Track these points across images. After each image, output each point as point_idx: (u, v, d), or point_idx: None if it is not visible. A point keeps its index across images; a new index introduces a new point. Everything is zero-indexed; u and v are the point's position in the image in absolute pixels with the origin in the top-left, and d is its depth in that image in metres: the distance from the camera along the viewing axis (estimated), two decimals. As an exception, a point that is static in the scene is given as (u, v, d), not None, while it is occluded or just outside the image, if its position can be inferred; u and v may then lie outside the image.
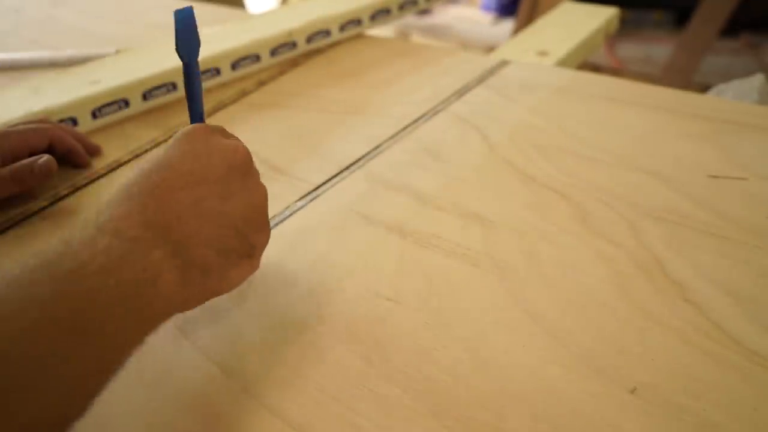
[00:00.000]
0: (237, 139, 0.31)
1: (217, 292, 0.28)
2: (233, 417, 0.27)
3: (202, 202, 0.26)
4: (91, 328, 0.21)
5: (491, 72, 0.60)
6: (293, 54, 0.64)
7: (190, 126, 0.29)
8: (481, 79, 0.58)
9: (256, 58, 0.61)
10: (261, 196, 0.30)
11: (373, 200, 0.41)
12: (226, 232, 0.27)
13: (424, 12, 2.68)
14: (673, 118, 0.48)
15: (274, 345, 0.30)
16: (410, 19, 2.57)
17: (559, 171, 0.42)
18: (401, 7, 0.72)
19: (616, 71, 1.92)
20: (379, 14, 0.70)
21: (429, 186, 0.42)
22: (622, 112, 0.50)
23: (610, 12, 0.80)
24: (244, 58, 0.60)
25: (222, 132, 0.30)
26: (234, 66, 0.60)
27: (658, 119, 0.48)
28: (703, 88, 0.70)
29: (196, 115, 0.31)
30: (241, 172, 0.28)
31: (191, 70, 0.31)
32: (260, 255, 0.31)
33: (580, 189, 0.40)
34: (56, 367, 0.20)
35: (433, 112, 0.53)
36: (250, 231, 0.29)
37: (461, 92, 0.56)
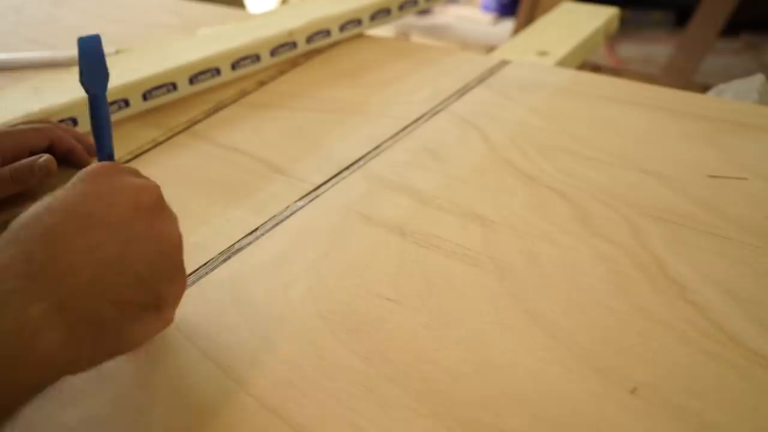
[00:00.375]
0: (149, 179, 0.28)
1: (117, 351, 0.25)
2: (233, 417, 0.27)
3: (99, 249, 0.23)
4: None
5: (491, 72, 0.60)
6: (293, 54, 0.64)
7: (95, 164, 0.26)
8: (481, 79, 0.58)
9: (256, 58, 0.61)
10: (173, 241, 0.27)
11: (373, 200, 0.41)
12: (126, 281, 0.24)
13: (424, 12, 2.68)
14: (673, 118, 0.48)
15: (273, 345, 0.30)
16: (410, 19, 2.57)
17: (559, 171, 0.42)
18: (401, 7, 0.72)
19: (616, 71, 1.92)
20: (379, 14, 0.70)
21: (429, 186, 0.42)
22: (622, 112, 0.50)
23: (610, 12, 0.80)
24: (244, 58, 0.60)
25: (133, 172, 0.28)
26: (234, 66, 0.60)
27: (658, 119, 0.48)
28: (703, 88, 0.70)
29: (103, 152, 0.29)
30: (150, 214, 0.26)
31: (99, 102, 0.29)
32: (173, 307, 0.28)
33: (580, 189, 0.40)
34: None
35: (433, 112, 0.53)
36: (156, 280, 0.25)
37: (461, 92, 0.56)
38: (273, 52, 0.62)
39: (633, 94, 0.53)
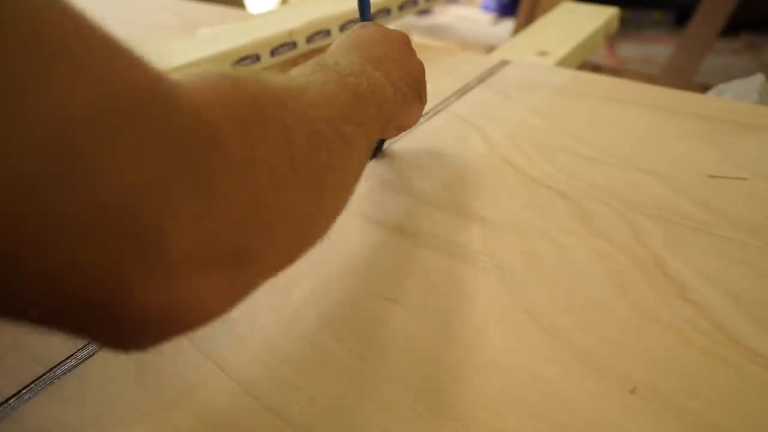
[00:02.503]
0: None
1: (408, 119, 0.37)
2: (233, 417, 0.27)
3: (389, 55, 0.35)
4: (365, 108, 0.28)
5: (491, 72, 0.60)
6: (293, 54, 0.64)
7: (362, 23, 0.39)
8: (481, 79, 0.59)
9: (256, 58, 0.61)
10: (422, 64, 0.39)
11: (373, 200, 0.41)
12: (407, 75, 0.36)
13: (424, 12, 2.68)
14: (673, 118, 0.48)
15: (274, 345, 0.30)
16: (410, 19, 2.57)
17: (559, 171, 0.42)
18: (401, 7, 0.72)
19: (616, 71, 1.92)
20: (379, 14, 0.71)
21: (429, 186, 0.42)
22: (622, 112, 0.50)
23: (610, 12, 0.81)
24: (244, 58, 0.60)
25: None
26: (234, 66, 0.60)
27: (658, 119, 0.49)
28: (703, 88, 0.70)
29: (366, 20, 0.42)
30: (408, 47, 0.38)
31: None
32: (424, 106, 0.39)
33: (580, 189, 0.40)
34: (361, 140, 0.26)
35: (433, 112, 0.53)
36: (419, 82, 0.38)
37: (461, 92, 0.56)
38: (273, 52, 0.62)
39: (633, 94, 0.53)
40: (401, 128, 0.37)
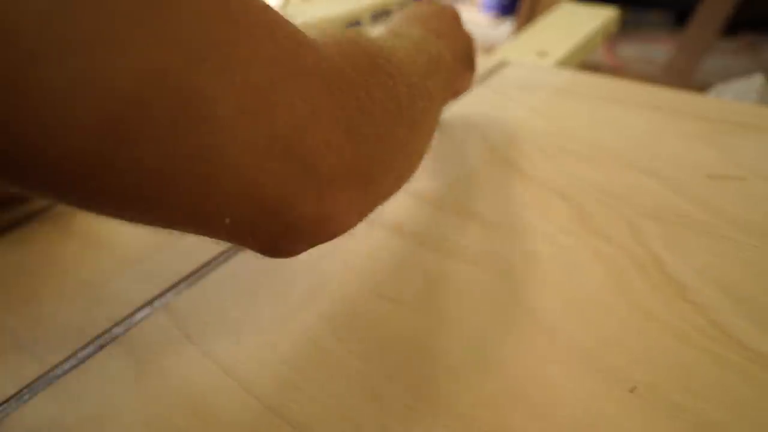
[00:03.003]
0: None
1: (462, 85, 0.42)
2: (233, 416, 0.27)
3: (443, 28, 0.38)
4: (436, 71, 0.30)
5: (491, 72, 0.60)
6: (293, 54, 0.65)
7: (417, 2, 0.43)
8: (481, 80, 0.59)
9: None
10: (471, 36, 0.43)
11: (373, 200, 0.41)
12: (461, 45, 0.40)
13: (424, 12, 2.67)
14: (672, 118, 0.49)
15: (274, 344, 0.30)
16: (410, 19, 2.56)
17: (559, 171, 0.42)
18: (402, 8, 0.72)
19: (616, 71, 1.92)
20: (380, 15, 0.71)
21: (429, 186, 0.42)
22: (622, 112, 0.50)
23: (609, 12, 0.81)
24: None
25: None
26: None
27: (657, 119, 0.49)
28: (703, 88, 0.70)
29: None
30: (458, 21, 0.42)
31: None
32: (474, 74, 0.44)
33: (580, 189, 0.40)
34: (439, 95, 0.30)
35: (433, 112, 0.53)
36: (471, 55, 0.43)
37: (461, 92, 0.56)
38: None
39: (633, 94, 0.53)
40: (457, 93, 0.42)
